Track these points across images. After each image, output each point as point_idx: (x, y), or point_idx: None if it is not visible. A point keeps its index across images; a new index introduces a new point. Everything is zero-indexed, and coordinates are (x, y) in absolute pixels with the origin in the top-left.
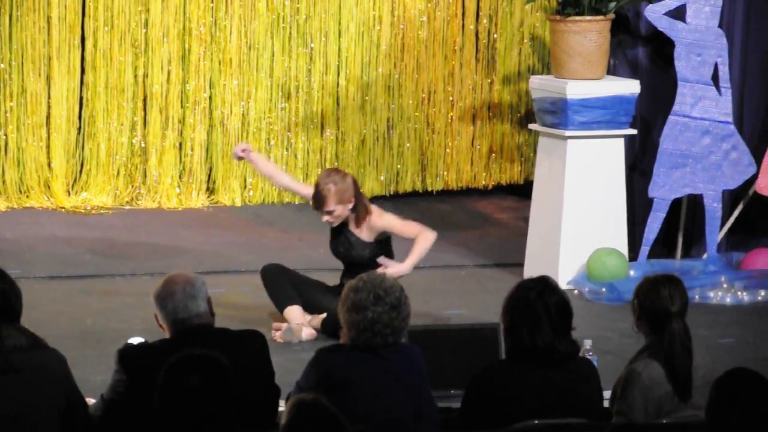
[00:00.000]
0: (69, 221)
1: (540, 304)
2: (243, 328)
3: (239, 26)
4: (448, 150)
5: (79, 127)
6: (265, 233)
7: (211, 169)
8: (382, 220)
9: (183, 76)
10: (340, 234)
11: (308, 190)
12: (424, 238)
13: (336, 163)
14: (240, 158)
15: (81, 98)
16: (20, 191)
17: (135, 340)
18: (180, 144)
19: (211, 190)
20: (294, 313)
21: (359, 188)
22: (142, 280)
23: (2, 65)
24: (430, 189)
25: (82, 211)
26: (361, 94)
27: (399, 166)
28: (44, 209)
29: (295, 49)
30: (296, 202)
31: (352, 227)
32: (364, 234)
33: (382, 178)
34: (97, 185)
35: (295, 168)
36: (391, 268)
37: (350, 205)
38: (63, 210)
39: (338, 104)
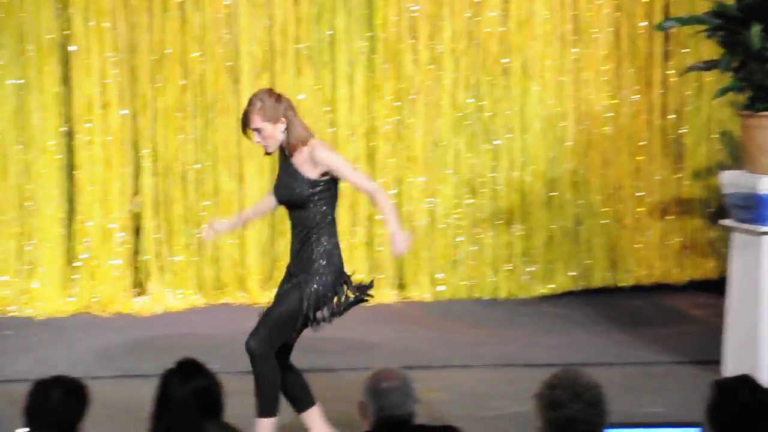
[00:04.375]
0: None
1: (753, 406)
2: (435, 424)
3: (425, 124)
4: (638, 245)
5: (272, 224)
6: (455, 329)
7: (401, 265)
8: (327, 155)
9: (370, 173)
10: (282, 167)
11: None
12: (384, 198)
13: (525, 259)
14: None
15: None
16: (216, 288)
17: None
18: (369, 241)
19: (401, 286)
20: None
21: (296, 113)
22: (336, 375)
23: (197, 165)
24: (620, 285)
25: None
26: (547, 189)
27: (588, 262)
28: (239, 305)
29: (480, 145)
30: (485, 298)
31: (293, 159)
32: (306, 168)
33: (571, 273)
34: None
35: (483, 263)
36: (397, 245)
37: (282, 126)
38: (257, 306)
39: (523, 200)
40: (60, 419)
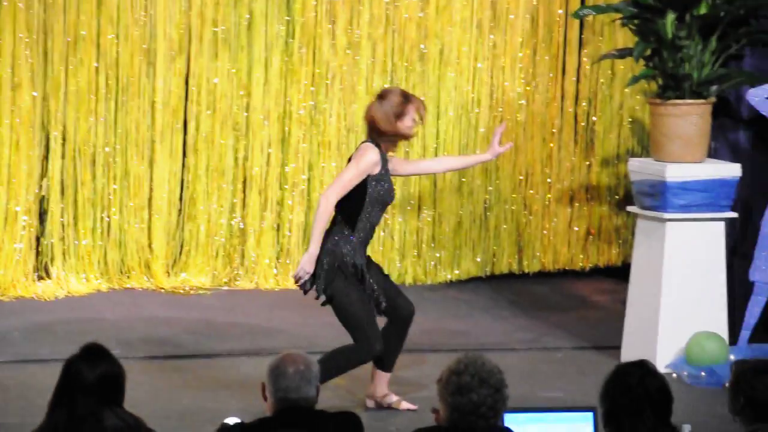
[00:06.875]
0: (168, 301)
1: (641, 390)
2: (339, 410)
3: (339, 109)
4: (545, 232)
5: (180, 209)
6: None
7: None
8: None
9: (282, 158)
10: (387, 170)
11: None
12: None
13: (433, 245)
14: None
15: (182, 180)
16: (121, 272)
17: (231, 420)
18: (278, 225)
19: None
20: None
21: None
22: (238, 360)
23: (107, 149)
24: (526, 271)
25: (181, 291)
26: (459, 175)
27: (495, 248)
28: (144, 290)
29: None
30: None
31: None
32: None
33: (478, 259)
34: (196, 266)
35: (391, 249)
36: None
37: None
38: (162, 290)
39: (435, 186)
40: None
